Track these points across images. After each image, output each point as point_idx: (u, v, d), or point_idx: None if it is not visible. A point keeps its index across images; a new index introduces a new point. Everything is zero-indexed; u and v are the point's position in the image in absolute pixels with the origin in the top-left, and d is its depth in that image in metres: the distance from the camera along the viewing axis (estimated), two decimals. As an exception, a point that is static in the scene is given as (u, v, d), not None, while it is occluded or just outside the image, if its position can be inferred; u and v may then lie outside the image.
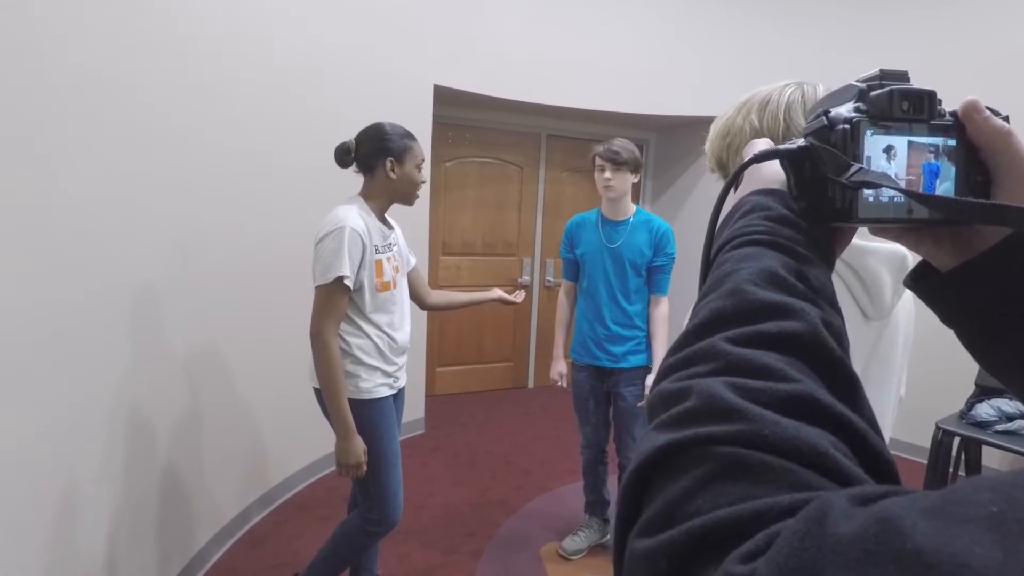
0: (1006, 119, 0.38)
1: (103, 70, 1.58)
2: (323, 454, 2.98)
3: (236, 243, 2.30)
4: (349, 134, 2.89)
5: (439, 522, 2.56)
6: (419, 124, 3.25)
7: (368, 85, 2.96)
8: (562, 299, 2.40)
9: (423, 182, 1.77)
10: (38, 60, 1.36)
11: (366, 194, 1.73)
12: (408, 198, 1.76)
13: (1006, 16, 3.02)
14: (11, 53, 1.28)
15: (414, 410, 3.52)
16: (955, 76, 3.07)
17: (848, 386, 0.31)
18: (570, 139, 4.43)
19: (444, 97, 3.42)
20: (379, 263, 1.67)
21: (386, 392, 1.73)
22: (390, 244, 1.74)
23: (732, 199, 0.46)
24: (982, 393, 2.68)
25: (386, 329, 1.72)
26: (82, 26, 1.50)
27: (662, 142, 4.68)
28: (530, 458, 3.26)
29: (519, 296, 2.02)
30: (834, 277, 0.78)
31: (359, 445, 1.65)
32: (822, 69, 3.60)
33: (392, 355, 1.75)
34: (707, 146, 0.85)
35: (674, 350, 0.34)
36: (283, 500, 2.70)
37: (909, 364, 0.92)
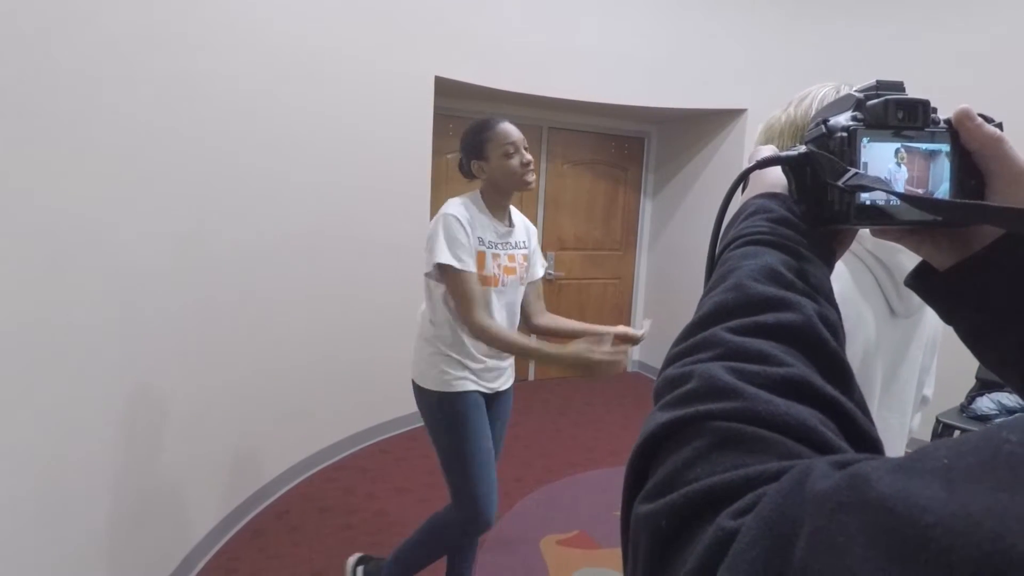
0: (999, 126, 0.40)
1: (99, 74, 1.57)
2: (324, 445, 2.99)
3: (236, 240, 2.29)
4: (350, 124, 2.91)
5: (439, 514, 2.57)
6: (420, 116, 3.25)
7: (370, 76, 2.95)
8: None
9: (525, 163, 1.60)
10: (37, 56, 1.35)
11: (481, 190, 1.68)
12: (515, 187, 1.63)
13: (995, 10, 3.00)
14: (11, 45, 1.28)
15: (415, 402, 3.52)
16: (965, 70, 3.06)
17: (839, 373, 0.33)
18: (571, 131, 4.42)
19: (446, 89, 3.40)
20: (482, 255, 1.60)
21: (473, 387, 1.65)
22: (506, 243, 1.68)
23: (736, 202, 0.48)
24: (982, 387, 2.69)
25: None
26: (82, 29, 1.49)
27: (663, 135, 4.66)
28: (530, 451, 3.27)
29: (644, 328, 1.67)
30: (865, 272, 0.80)
31: (575, 348, 1.47)
32: (828, 62, 3.58)
33: (483, 356, 1.67)
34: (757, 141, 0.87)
35: (680, 340, 0.36)
36: (284, 491, 2.72)
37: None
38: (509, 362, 1.77)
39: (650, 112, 4.10)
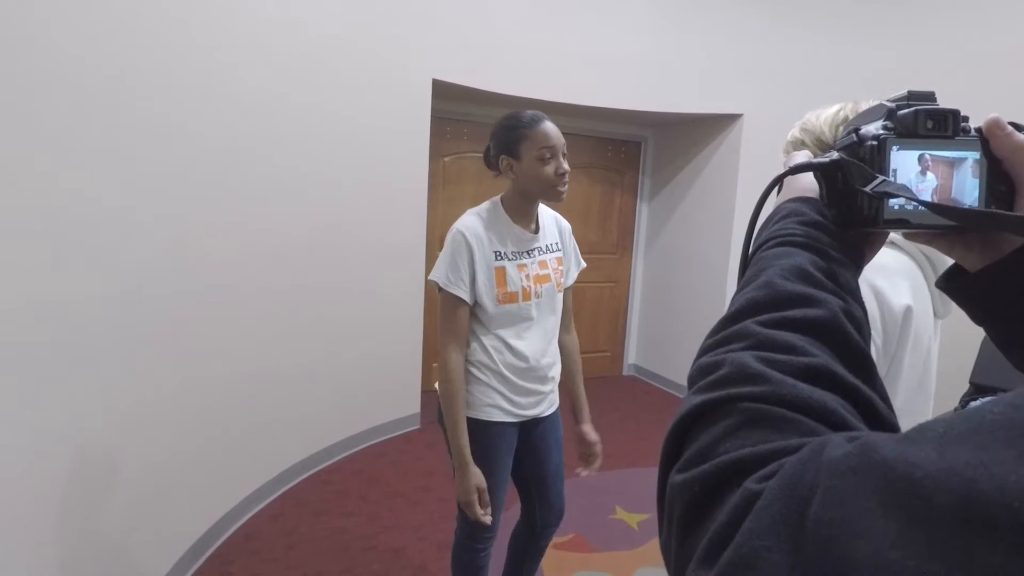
0: None
1: (98, 67, 1.57)
2: (318, 448, 2.98)
3: (232, 241, 2.29)
4: (347, 128, 2.91)
5: (435, 517, 2.56)
6: (418, 118, 3.25)
7: (367, 79, 2.95)
8: None
9: (561, 172, 1.41)
10: (37, 55, 1.35)
11: (504, 195, 1.51)
12: (545, 194, 1.44)
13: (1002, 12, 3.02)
14: (11, 45, 1.27)
15: (410, 405, 3.52)
16: (961, 71, 3.08)
17: (862, 365, 0.35)
18: (568, 135, 4.36)
19: (443, 91, 3.40)
20: (501, 270, 1.44)
21: (499, 417, 1.50)
22: (533, 249, 1.51)
23: (769, 205, 0.51)
24: (977, 391, 2.69)
25: (511, 342, 1.48)
26: (80, 23, 1.49)
27: (660, 139, 4.67)
28: (526, 454, 3.26)
29: (590, 468, 1.69)
30: (917, 272, 0.85)
31: (472, 480, 1.41)
32: (825, 67, 3.60)
33: (517, 378, 1.49)
34: (801, 134, 0.88)
35: (713, 333, 0.39)
36: (278, 494, 2.71)
37: None
38: (550, 387, 1.60)
39: (647, 116, 4.11)
